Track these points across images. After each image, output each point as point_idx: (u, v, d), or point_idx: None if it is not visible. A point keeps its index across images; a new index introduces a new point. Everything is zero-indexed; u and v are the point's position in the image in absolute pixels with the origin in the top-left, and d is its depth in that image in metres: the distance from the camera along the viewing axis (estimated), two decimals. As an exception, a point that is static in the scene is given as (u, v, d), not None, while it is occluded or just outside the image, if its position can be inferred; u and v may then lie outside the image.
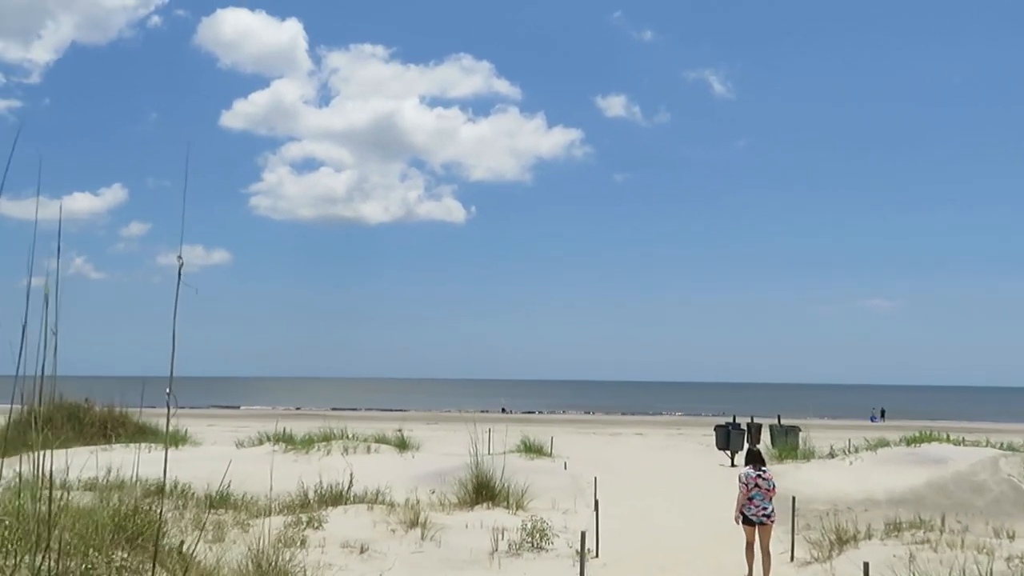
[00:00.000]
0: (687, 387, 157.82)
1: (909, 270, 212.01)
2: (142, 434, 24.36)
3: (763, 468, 10.01)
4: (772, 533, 9.86)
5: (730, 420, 25.76)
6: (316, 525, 11.16)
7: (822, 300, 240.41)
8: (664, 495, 16.79)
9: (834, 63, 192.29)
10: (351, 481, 13.25)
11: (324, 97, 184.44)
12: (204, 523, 11.06)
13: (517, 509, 13.84)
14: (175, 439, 23.40)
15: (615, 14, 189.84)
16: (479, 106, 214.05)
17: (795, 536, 11.09)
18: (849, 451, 19.54)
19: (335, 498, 12.93)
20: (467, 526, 11.66)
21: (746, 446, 24.56)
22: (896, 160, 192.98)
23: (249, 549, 9.88)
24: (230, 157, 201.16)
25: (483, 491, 14.34)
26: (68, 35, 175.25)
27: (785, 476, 17.09)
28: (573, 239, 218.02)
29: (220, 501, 12.79)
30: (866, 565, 7.60)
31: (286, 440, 22.51)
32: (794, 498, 11.65)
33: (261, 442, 23.70)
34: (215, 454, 21.73)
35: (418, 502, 14.68)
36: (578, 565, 10.20)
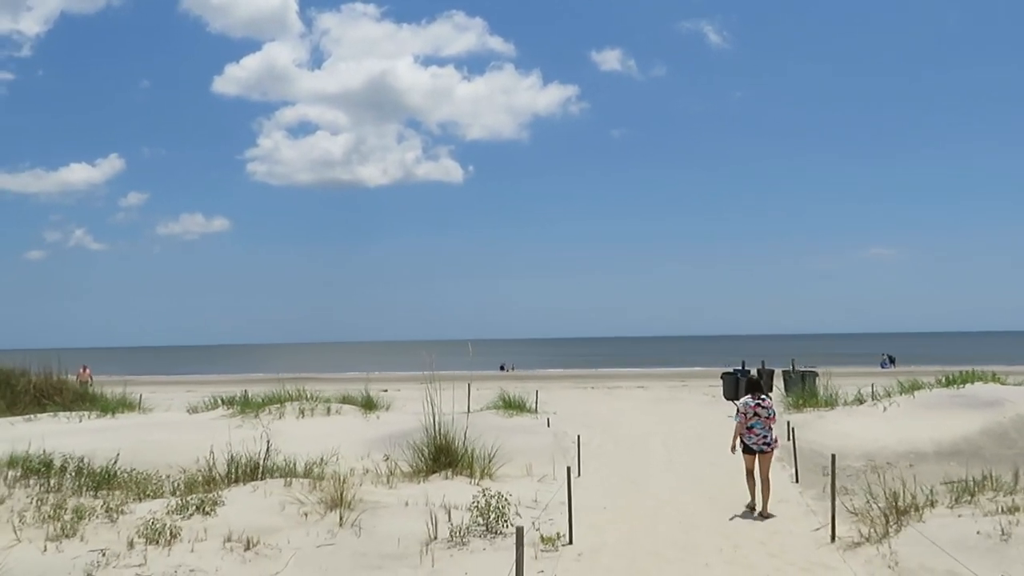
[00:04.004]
0: (691, 340, 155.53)
1: (908, 218, 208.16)
2: (80, 402, 22.07)
3: (762, 396, 9.96)
4: (772, 461, 9.83)
5: (738, 367, 23.07)
6: (208, 509, 8.52)
7: (822, 250, 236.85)
8: (663, 455, 14.13)
9: (831, 10, 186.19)
10: (268, 449, 10.56)
11: (317, 59, 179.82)
12: (59, 511, 8.45)
13: (481, 477, 11.22)
14: (113, 406, 20.89)
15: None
16: (473, 64, 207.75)
17: (835, 504, 8.37)
18: (878, 396, 16.86)
19: (250, 471, 10.27)
20: (408, 504, 9.01)
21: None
22: (890, 108, 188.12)
23: (91, 552, 7.27)
24: (224, 123, 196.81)
25: (442, 456, 11.70)
26: (57, 5, 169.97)
27: (807, 427, 14.43)
28: (572, 196, 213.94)
29: (105, 479, 10.18)
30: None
31: (240, 404, 19.97)
32: (833, 456, 8.92)
33: (215, 406, 21.24)
34: (155, 421, 19.21)
35: (362, 472, 12.09)
36: (543, 556, 7.57)
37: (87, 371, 33.58)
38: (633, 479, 11.88)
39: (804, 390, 19.68)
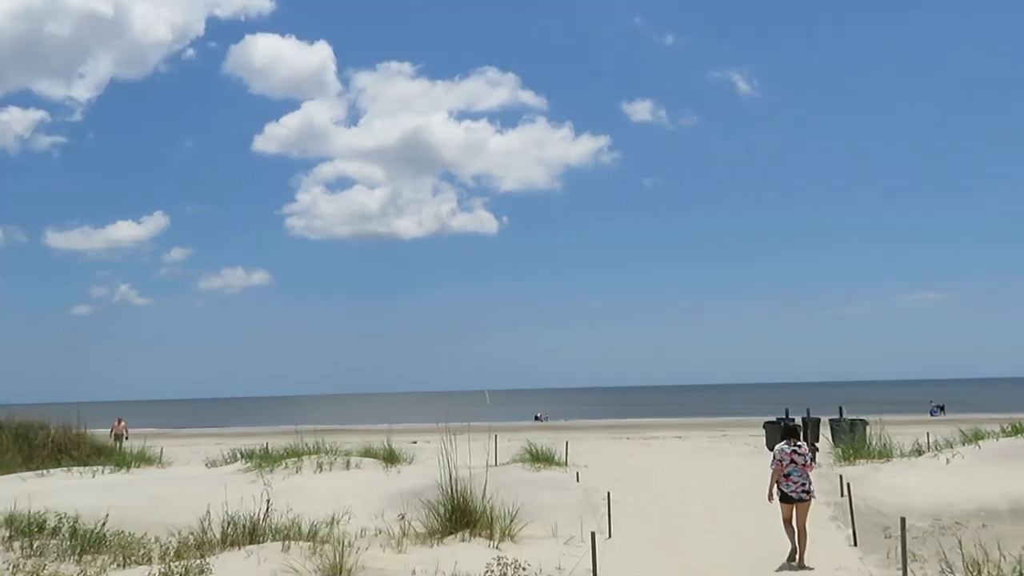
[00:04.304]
0: (731, 388, 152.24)
1: (951, 262, 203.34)
2: (98, 456, 21.52)
3: (798, 443, 9.76)
4: (810, 511, 9.56)
5: (782, 416, 21.73)
6: (193, 579, 7.65)
7: (865, 296, 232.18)
8: (703, 513, 12.94)
9: (858, 55, 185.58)
10: (267, 509, 9.68)
11: (353, 116, 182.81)
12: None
13: (502, 539, 10.20)
14: (130, 460, 20.25)
15: (635, 20, 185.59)
16: (506, 118, 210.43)
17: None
18: (938, 446, 15.49)
19: (248, 534, 9.40)
20: (415, 572, 8.04)
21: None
22: (928, 149, 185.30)
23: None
24: (264, 180, 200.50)
25: (459, 516, 10.72)
26: (107, 71, 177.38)
27: (863, 481, 13.15)
28: (605, 244, 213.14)
29: (92, 543, 9.38)
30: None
31: (258, 458, 19.18)
32: (903, 520, 7.77)
33: (234, 460, 20.50)
34: (170, 477, 18.52)
35: (374, 533, 11.14)
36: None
37: (122, 424, 32.97)
38: (670, 542, 10.74)
39: (854, 440, 18.31)
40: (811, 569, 8.98)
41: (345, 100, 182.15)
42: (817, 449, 19.98)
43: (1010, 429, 15.17)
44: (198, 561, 8.09)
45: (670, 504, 13.86)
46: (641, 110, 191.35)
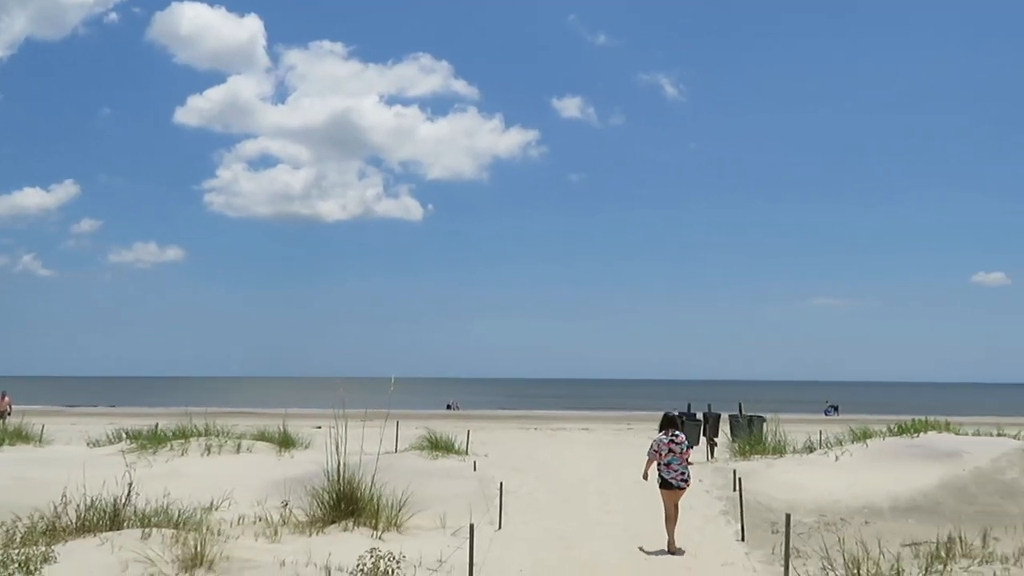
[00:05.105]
0: (642, 384, 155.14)
1: (855, 270, 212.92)
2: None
3: (676, 433, 10.04)
4: (683, 499, 10.04)
5: (684, 410, 21.94)
6: (32, 568, 6.93)
7: (772, 298, 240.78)
8: (600, 505, 12.82)
9: (785, 64, 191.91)
10: (130, 492, 8.96)
11: (281, 94, 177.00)
12: None
13: (387, 529, 9.78)
14: (3, 438, 18.89)
15: (570, 17, 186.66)
16: (437, 105, 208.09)
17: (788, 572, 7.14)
18: (829, 444, 15.83)
19: (110, 519, 8.67)
20: (284, 563, 7.52)
21: (702, 440, 20.89)
22: (837, 158, 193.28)
23: None
24: (184, 154, 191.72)
25: (344, 504, 10.23)
26: (22, 30, 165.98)
27: (755, 476, 13.27)
28: (529, 237, 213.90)
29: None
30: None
31: (143, 439, 18.14)
32: (788, 516, 7.72)
33: (118, 440, 19.36)
34: (45, 456, 17.31)
35: (252, 520, 10.55)
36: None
37: (6, 399, 31.07)
38: (563, 534, 10.51)
39: (751, 436, 18.62)
40: (683, 552, 9.26)
41: (273, 77, 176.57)
42: (715, 444, 20.28)
43: (896, 429, 15.64)
44: (43, 549, 7.36)
45: (569, 496, 13.69)
46: (571, 107, 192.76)
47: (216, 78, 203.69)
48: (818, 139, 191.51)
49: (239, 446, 17.20)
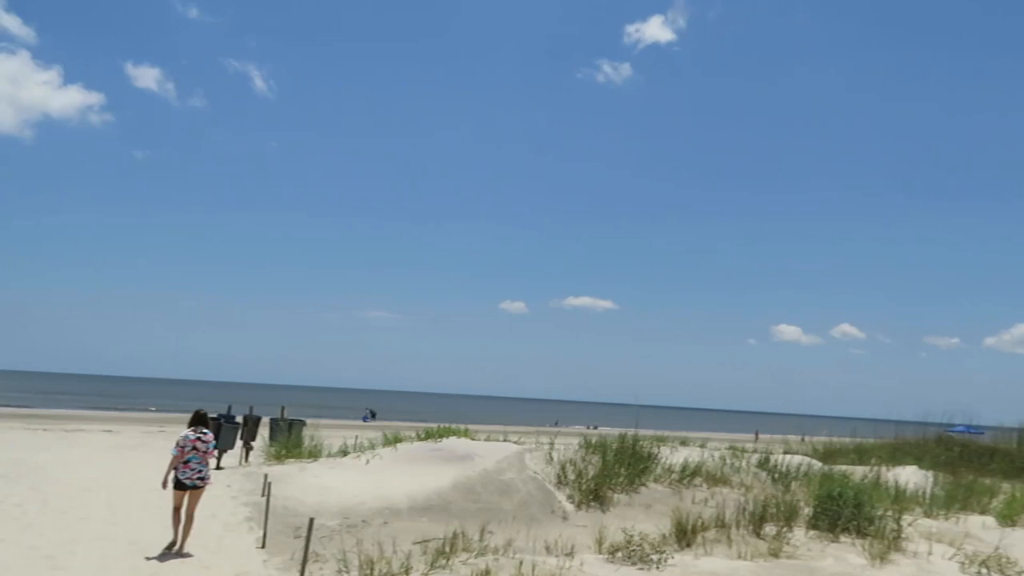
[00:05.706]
0: (185, 384, 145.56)
1: (407, 288, 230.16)
2: None
3: (204, 431, 9.74)
4: (202, 499, 9.79)
5: (223, 412, 20.88)
6: None
7: (328, 308, 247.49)
8: (105, 517, 11.29)
9: (385, 69, 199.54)
10: None
11: None
12: None
13: None
14: None
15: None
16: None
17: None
18: (362, 447, 16.36)
19: None
20: None
21: (238, 444, 20.04)
22: (424, 177, 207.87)
23: None
24: None
25: None
26: None
27: (287, 481, 13.04)
28: (73, 211, 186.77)
29: None
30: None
31: None
32: (311, 520, 7.54)
33: None
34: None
35: None
36: None
37: None
38: (50, 552, 8.95)
39: (290, 439, 18.43)
40: (191, 556, 8.88)
41: None
42: (252, 447, 19.65)
43: (424, 434, 16.83)
44: None
45: (67, 506, 11.83)
46: (147, 77, 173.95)
47: None
48: (321, 149, 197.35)
49: None
